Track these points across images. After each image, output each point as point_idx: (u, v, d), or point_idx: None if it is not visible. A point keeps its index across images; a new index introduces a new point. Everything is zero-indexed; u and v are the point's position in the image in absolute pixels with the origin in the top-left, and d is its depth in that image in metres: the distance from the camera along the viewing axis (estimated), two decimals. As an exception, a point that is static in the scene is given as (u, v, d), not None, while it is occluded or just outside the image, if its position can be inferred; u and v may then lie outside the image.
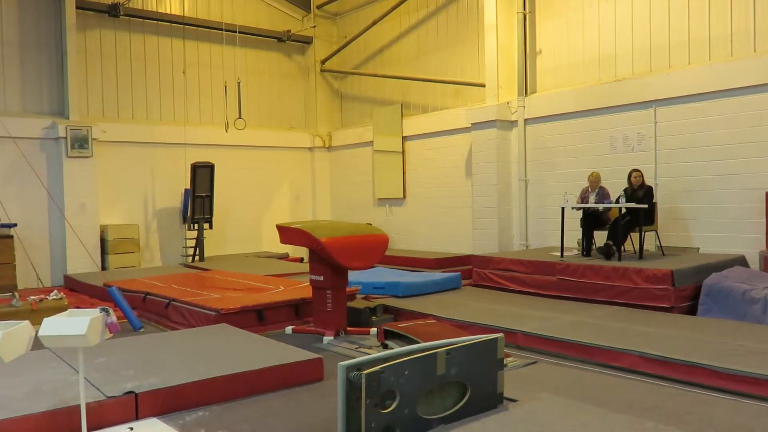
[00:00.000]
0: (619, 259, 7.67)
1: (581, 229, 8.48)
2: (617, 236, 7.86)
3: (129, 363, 4.77)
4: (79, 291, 9.69)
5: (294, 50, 14.50)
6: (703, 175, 8.28)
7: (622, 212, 7.91)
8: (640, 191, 7.93)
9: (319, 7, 14.43)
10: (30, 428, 3.67)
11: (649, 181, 8.28)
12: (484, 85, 10.79)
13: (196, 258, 12.11)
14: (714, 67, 8.11)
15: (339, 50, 14.19)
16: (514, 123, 10.52)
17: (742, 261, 7.67)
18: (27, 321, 3.26)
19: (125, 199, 12.01)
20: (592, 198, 8.40)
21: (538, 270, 8.12)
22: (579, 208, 8.49)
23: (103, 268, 11.19)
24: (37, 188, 10.31)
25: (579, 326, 6.00)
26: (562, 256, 8.33)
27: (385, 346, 5.75)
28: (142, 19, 12.29)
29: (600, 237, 8.40)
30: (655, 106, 8.70)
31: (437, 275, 8.79)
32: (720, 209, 8.13)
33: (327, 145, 14.68)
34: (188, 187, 12.11)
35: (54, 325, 3.36)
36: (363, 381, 3.00)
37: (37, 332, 3.28)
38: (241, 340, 5.60)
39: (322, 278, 6.46)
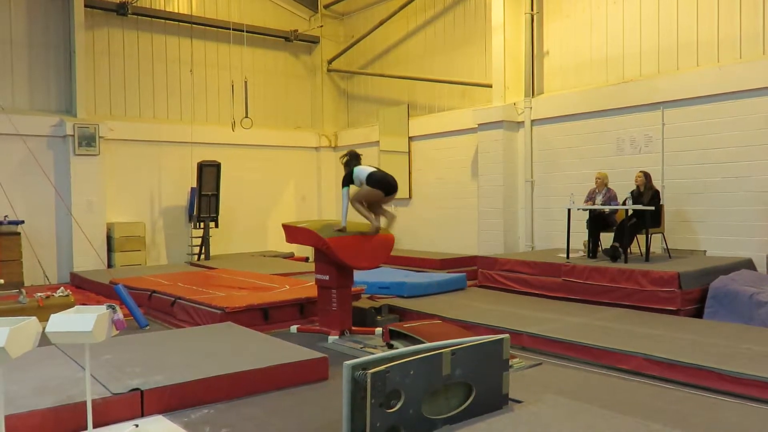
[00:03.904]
0: (626, 261, 7.64)
1: (587, 230, 8.46)
2: (623, 238, 7.84)
3: (135, 360, 4.78)
4: (85, 288, 9.72)
5: (301, 50, 14.51)
6: (711, 177, 8.25)
7: (629, 214, 7.89)
8: (648, 193, 7.89)
9: (326, 6, 14.44)
10: (36, 424, 3.68)
11: (656, 183, 8.24)
12: (490, 86, 10.77)
13: (202, 257, 12.13)
14: (723, 69, 8.07)
15: (346, 50, 14.20)
16: (520, 124, 10.50)
17: (749, 264, 7.63)
18: (34, 317, 3.28)
19: (132, 197, 12.04)
20: (598, 199, 8.37)
21: (543, 271, 8.10)
22: (585, 210, 8.47)
23: (109, 265, 11.23)
24: (44, 185, 10.34)
25: (584, 328, 5.99)
26: (567, 257, 8.31)
27: (390, 346, 5.75)
28: (150, 18, 12.33)
29: (606, 239, 8.37)
30: (663, 108, 8.67)
31: (442, 276, 8.78)
32: (727, 212, 8.09)
33: (333, 145, 14.69)
34: (194, 185, 12.13)
35: (61, 322, 3.37)
36: (368, 380, 3.00)
37: (44, 328, 3.29)
38: (247, 338, 5.60)
39: (327, 278, 6.46)
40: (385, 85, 13.44)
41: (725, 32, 8.15)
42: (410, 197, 12.75)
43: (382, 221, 6.62)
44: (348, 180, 6.51)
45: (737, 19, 8.03)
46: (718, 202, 8.17)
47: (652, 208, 7.75)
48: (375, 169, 6.49)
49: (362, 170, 6.45)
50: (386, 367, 3.10)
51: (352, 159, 6.62)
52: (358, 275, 7.36)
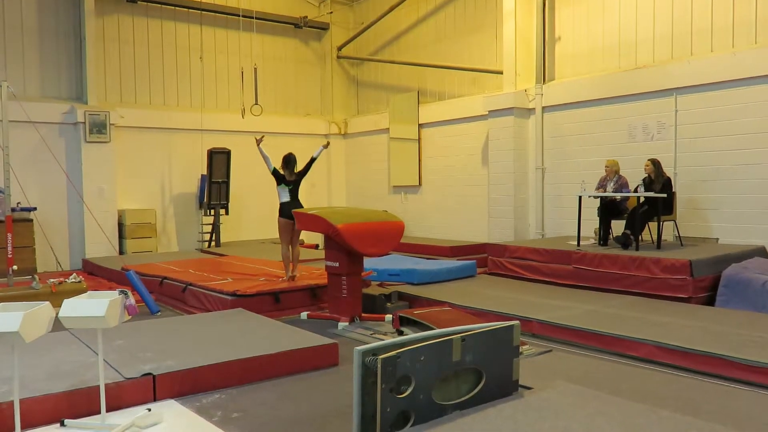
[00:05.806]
0: (637, 249, 7.60)
1: (598, 218, 8.41)
2: (635, 226, 7.79)
3: (147, 345, 4.82)
4: (97, 275, 9.80)
5: (311, 36, 14.45)
6: (724, 164, 8.16)
7: (641, 201, 7.83)
8: (660, 180, 7.82)
9: (336, -7, 14.37)
10: (50, 408, 3.72)
11: (668, 171, 8.17)
12: (501, 73, 10.69)
13: (212, 243, 12.18)
14: (737, 54, 7.96)
15: (355, 37, 14.12)
16: (531, 111, 10.43)
17: (761, 252, 7.57)
18: (47, 302, 3.30)
19: (143, 184, 12.09)
20: (610, 186, 8.31)
21: (554, 259, 8.07)
22: (596, 197, 8.42)
23: (121, 252, 11.30)
24: (56, 173, 10.39)
25: (595, 315, 5.97)
26: (578, 245, 8.27)
27: (401, 333, 5.76)
28: (159, 5, 12.30)
29: (617, 226, 8.32)
30: (676, 94, 8.57)
31: (452, 263, 8.77)
32: (740, 199, 8.02)
33: (343, 132, 14.66)
34: (205, 172, 12.16)
35: (74, 307, 3.41)
36: (379, 366, 3.00)
37: (57, 314, 3.32)
38: (257, 324, 5.63)
39: (337, 264, 6.47)
40: (395, 72, 13.37)
41: (740, 17, 8.03)
42: (420, 184, 12.72)
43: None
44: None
45: (753, 3, 7.90)
46: (731, 190, 8.09)
47: (664, 195, 7.68)
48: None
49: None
50: (397, 353, 3.10)
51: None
52: (368, 262, 7.37)
